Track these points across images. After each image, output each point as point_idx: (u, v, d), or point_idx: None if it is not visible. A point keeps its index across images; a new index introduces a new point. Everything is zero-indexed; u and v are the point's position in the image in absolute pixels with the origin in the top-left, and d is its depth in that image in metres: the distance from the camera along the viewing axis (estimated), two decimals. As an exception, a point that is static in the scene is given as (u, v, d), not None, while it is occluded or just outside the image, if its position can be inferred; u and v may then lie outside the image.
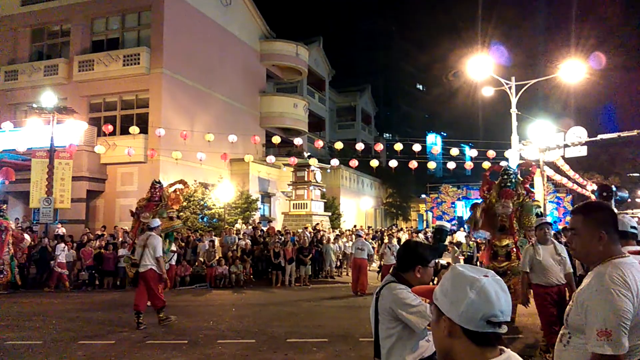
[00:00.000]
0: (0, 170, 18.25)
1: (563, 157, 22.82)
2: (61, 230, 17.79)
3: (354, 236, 17.57)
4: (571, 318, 2.40)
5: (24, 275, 15.49)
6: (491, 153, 22.13)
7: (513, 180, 9.64)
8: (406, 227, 35.42)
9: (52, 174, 17.72)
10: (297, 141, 22.23)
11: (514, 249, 9.26)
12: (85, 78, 21.58)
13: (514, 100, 21.98)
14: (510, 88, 22.03)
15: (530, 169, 10.66)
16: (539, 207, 9.73)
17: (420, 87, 72.79)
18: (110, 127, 19.44)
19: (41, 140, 18.44)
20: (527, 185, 10.01)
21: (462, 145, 28.67)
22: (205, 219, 20.71)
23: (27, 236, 15.34)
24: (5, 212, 15.36)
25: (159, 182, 11.91)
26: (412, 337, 2.94)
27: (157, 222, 10.10)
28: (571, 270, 6.49)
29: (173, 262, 15.49)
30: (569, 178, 27.76)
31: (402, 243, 3.29)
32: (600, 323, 2.15)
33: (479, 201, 10.25)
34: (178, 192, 11.93)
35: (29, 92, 21.45)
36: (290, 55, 29.68)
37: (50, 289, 14.99)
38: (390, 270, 3.18)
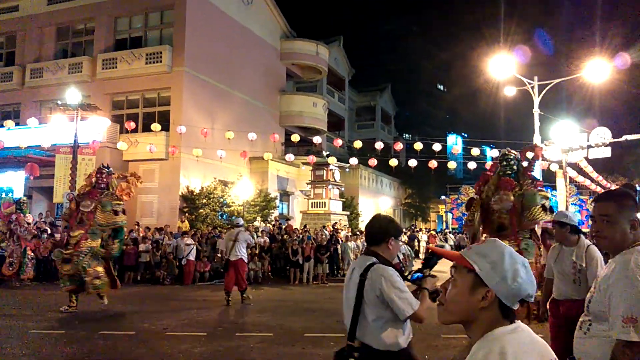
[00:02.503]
0: (25, 166, 18.67)
1: (586, 158, 22.48)
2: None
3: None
4: (593, 305, 2.36)
5: (47, 268, 15.80)
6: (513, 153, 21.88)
7: (514, 166, 7.93)
8: (425, 228, 35.22)
9: (76, 170, 18.00)
10: (316, 140, 22.26)
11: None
12: (108, 76, 21.91)
13: (536, 100, 21.71)
14: (532, 88, 21.76)
15: (534, 152, 9.07)
16: (546, 197, 7.95)
17: (441, 87, 72.30)
18: (132, 124, 19.69)
19: (65, 137, 18.75)
20: (530, 173, 8.31)
21: (483, 146, 28.37)
22: (224, 216, 20.87)
23: (43, 235, 15.66)
24: (25, 207, 15.70)
25: (107, 167, 10.80)
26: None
27: (241, 220, 12.39)
28: None
29: (192, 258, 15.66)
30: (592, 180, 27.30)
31: (371, 218, 3.21)
32: (625, 309, 2.12)
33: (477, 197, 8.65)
34: (131, 183, 10.70)
35: (54, 90, 21.83)
36: (311, 54, 29.74)
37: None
38: (362, 250, 3.22)
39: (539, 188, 8.09)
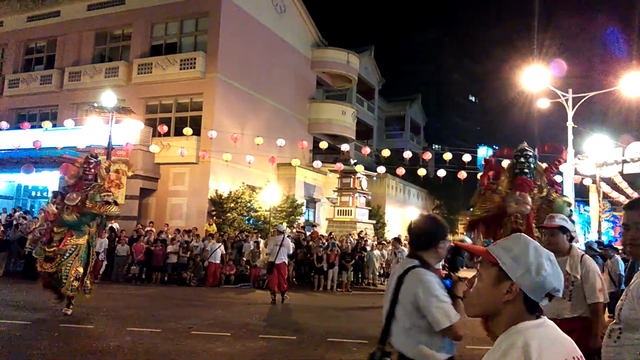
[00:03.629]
0: (60, 166, 19.19)
1: (621, 173, 21.94)
2: (114, 225, 18.46)
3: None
4: (624, 313, 2.33)
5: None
6: (544, 166, 21.49)
7: (532, 165, 6.74)
8: (452, 240, 34.76)
9: (109, 171, 18.44)
10: (344, 148, 22.34)
11: None
12: (143, 80, 22.43)
13: (570, 112, 21.34)
14: (566, 100, 21.41)
15: (561, 152, 7.76)
16: (569, 204, 6.98)
17: (473, 98, 71.58)
18: (165, 128, 20.09)
19: (100, 139, 19.22)
20: (552, 175, 7.23)
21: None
22: (251, 221, 21.06)
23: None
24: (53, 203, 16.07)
25: (95, 157, 9.97)
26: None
27: (283, 226, 12.97)
28: (598, 300, 3.88)
29: (216, 260, 15.77)
30: (626, 196, 26.57)
31: (418, 219, 2.95)
32: None
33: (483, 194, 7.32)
34: (121, 173, 9.94)
35: (90, 93, 22.44)
36: (341, 63, 29.88)
37: (95, 280, 15.53)
38: (407, 252, 2.92)
39: (561, 194, 7.20)
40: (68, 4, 25.05)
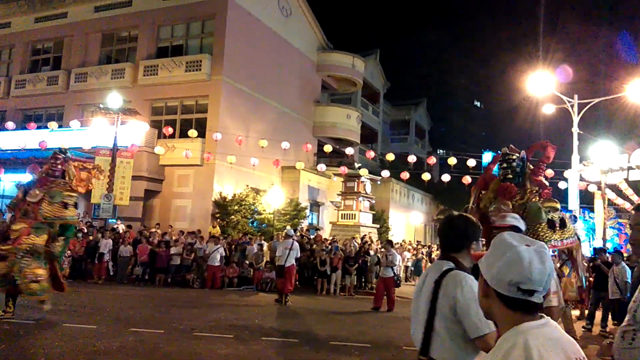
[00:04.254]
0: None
1: (627, 180, 21.82)
2: (120, 227, 18.53)
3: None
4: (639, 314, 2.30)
5: (81, 267, 16.26)
6: (550, 172, 21.41)
7: (517, 169, 6.37)
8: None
9: (114, 172, 18.52)
10: (349, 151, 22.31)
11: None
12: (149, 82, 22.52)
13: (575, 118, 21.29)
14: (572, 106, 21.36)
15: (544, 150, 6.97)
16: (555, 209, 6.26)
17: (478, 103, 71.51)
18: (170, 130, 20.16)
19: (105, 140, 19.32)
20: (540, 177, 6.67)
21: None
22: (255, 224, 21.07)
23: (79, 234, 16.09)
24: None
25: (64, 152, 9.29)
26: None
27: (292, 231, 13.44)
28: (551, 303, 5.25)
29: (215, 263, 15.73)
30: (632, 203, 26.46)
31: (449, 219, 2.75)
32: None
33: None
34: (93, 175, 9.35)
35: (97, 94, 22.54)
36: (346, 66, 29.92)
37: (97, 281, 15.62)
38: (439, 255, 2.77)
39: (546, 198, 6.46)
40: (75, 5, 25.20)
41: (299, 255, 13.95)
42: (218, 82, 21.49)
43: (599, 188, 21.62)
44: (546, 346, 1.40)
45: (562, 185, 22.03)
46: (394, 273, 13.34)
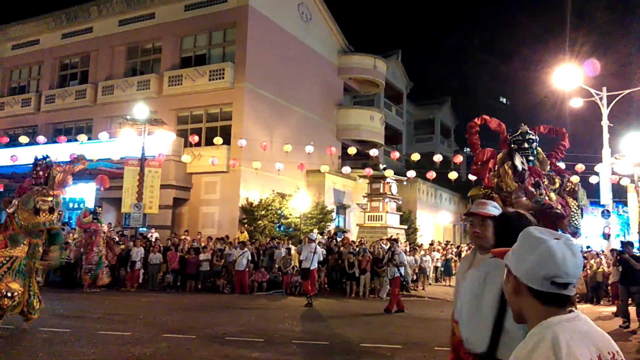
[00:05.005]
0: (96, 178, 19.73)
1: (661, 172, 21.22)
2: (154, 235, 18.86)
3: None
4: None
5: (115, 275, 16.58)
6: (580, 167, 20.97)
7: (535, 151, 5.74)
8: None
9: (143, 182, 18.86)
10: (373, 152, 22.26)
11: None
12: (174, 92, 22.88)
13: (605, 111, 20.85)
14: (601, 99, 20.91)
15: (563, 137, 6.24)
16: (584, 202, 5.71)
17: (504, 100, 70.50)
18: (196, 138, 20.44)
19: (133, 150, 19.68)
20: (556, 162, 6.07)
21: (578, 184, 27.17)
22: (282, 228, 21.18)
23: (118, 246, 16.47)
24: (100, 216, 16.65)
25: (45, 157, 8.84)
26: None
27: (314, 235, 14.00)
28: None
29: (240, 268, 15.81)
30: (667, 195, 25.71)
31: (507, 216, 2.61)
32: None
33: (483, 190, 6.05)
34: (68, 170, 8.68)
35: (123, 106, 23.00)
36: (368, 68, 29.88)
37: (129, 289, 15.93)
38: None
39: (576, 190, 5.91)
40: (100, 20, 25.81)
41: (321, 258, 14.75)
42: (241, 89, 21.71)
43: (632, 181, 21.06)
44: (575, 340, 1.37)
45: (593, 179, 21.52)
46: (401, 274, 13.15)
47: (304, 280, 13.99)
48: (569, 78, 20.38)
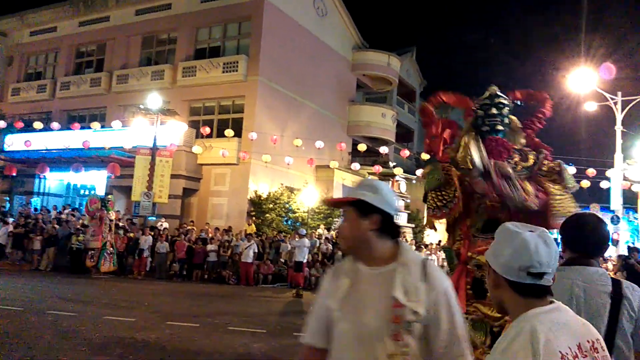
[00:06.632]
0: (107, 165, 19.96)
1: (673, 179, 21.01)
2: (164, 224, 19.04)
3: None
4: None
5: (122, 262, 16.79)
6: (591, 171, 20.81)
7: (506, 119, 4.51)
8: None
9: (153, 171, 19.05)
10: (383, 150, 22.25)
11: None
12: (187, 83, 23.01)
13: (619, 116, 20.64)
14: (615, 103, 20.71)
15: (543, 103, 4.93)
16: (572, 185, 4.26)
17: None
18: (207, 130, 20.57)
19: (145, 139, 19.85)
20: (534, 136, 4.73)
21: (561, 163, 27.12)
22: (289, 222, 21.27)
23: (120, 231, 16.68)
24: (108, 205, 16.86)
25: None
26: None
27: (304, 230, 14.85)
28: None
29: (247, 260, 15.96)
30: (679, 203, 25.43)
31: (588, 220, 2.29)
32: None
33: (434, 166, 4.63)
34: None
35: (137, 95, 23.16)
36: (382, 65, 29.79)
37: (136, 276, 16.14)
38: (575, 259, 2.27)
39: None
40: (117, 9, 25.98)
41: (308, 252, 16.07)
42: (254, 82, 21.77)
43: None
44: (554, 331, 1.41)
45: (604, 184, 21.35)
46: None
47: (297, 272, 15.35)
48: (584, 81, 20.20)
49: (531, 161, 4.30)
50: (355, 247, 1.92)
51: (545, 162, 4.35)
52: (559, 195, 4.06)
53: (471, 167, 4.09)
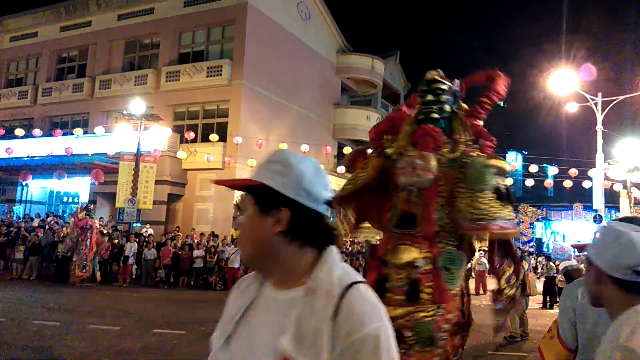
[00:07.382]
0: (91, 172, 19.76)
1: (654, 178, 21.40)
2: (149, 231, 18.87)
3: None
4: None
5: (106, 270, 16.60)
6: (573, 171, 21.13)
7: (445, 105, 4.14)
8: (479, 247, 34.30)
9: (138, 177, 18.89)
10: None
11: (429, 274, 3.63)
12: (171, 88, 22.87)
13: (599, 116, 20.96)
14: (596, 104, 21.03)
15: (493, 82, 4.60)
16: (504, 172, 4.02)
17: (501, 103, 70.71)
18: (192, 135, 20.46)
19: (129, 145, 19.68)
20: (480, 123, 4.41)
21: (544, 165, 27.56)
22: (276, 226, 21.21)
23: (105, 239, 16.53)
24: (92, 212, 16.69)
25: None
26: None
27: None
28: None
29: (236, 265, 15.90)
30: (660, 201, 25.89)
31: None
32: None
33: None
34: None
35: (120, 100, 22.94)
36: (366, 68, 29.91)
37: (122, 284, 15.97)
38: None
39: (490, 155, 4.14)
40: (99, 14, 25.76)
41: None
42: (238, 86, 21.72)
43: (625, 187, 21.23)
44: None
45: (586, 184, 21.66)
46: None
47: None
48: (565, 83, 20.50)
49: (458, 152, 3.92)
50: (257, 258, 1.31)
51: (474, 152, 3.93)
52: (478, 195, 3.66)
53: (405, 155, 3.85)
